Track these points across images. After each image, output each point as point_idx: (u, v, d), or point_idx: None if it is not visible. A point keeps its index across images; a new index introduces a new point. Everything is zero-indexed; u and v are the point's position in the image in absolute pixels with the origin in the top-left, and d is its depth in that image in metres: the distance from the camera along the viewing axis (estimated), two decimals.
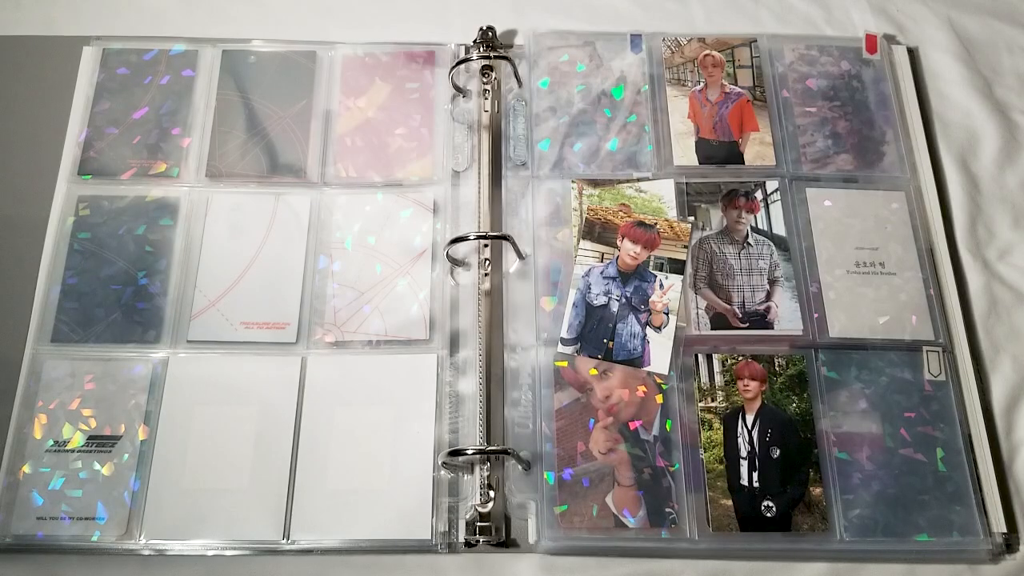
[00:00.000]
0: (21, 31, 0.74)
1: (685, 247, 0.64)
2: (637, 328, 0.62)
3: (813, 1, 0.79)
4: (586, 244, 0.65)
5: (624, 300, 0.63)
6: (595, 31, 0.74)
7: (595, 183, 0.67)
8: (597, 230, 0.65)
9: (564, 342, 0.62)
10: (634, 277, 0.63)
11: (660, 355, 0.62)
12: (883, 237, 0.66)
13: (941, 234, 0.67)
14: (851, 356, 0.62)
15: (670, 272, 0.64)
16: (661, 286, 0.63)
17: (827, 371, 0.62)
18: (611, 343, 0.62)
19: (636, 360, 0.61)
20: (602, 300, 0.63)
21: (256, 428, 0.60)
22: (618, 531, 0.57)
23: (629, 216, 0.64)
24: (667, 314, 0.62)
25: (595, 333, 0.62)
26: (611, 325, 0.62)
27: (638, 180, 0.67)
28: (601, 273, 0.64)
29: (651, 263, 0.64)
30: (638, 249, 0.64)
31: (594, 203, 0.66)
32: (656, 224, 0.65)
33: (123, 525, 0.57)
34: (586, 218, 0.62)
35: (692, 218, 0.65)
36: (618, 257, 0.64)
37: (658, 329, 0.62)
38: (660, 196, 0.66)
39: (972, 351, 0.64)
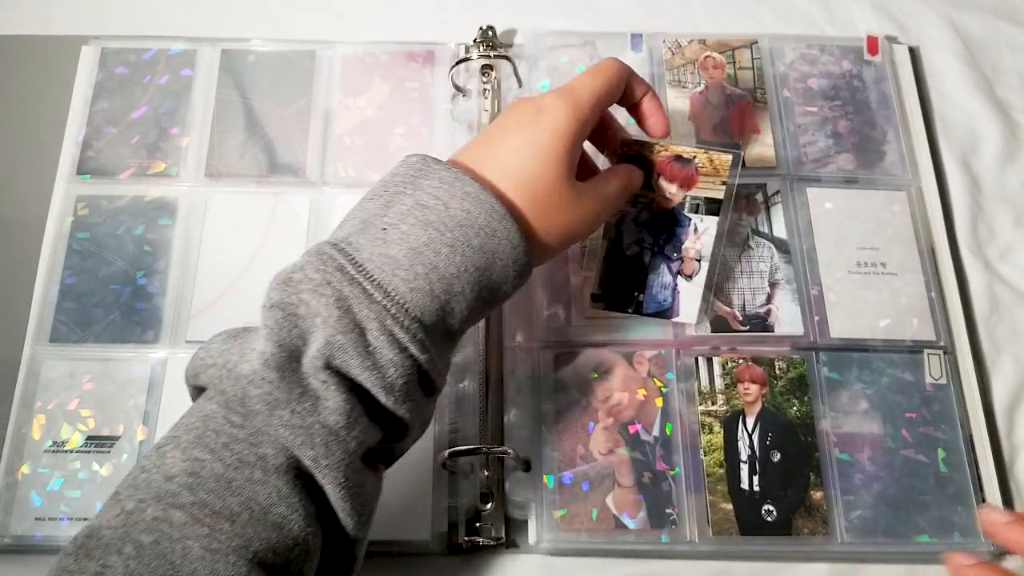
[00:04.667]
0: (19, 30, 0.74)
1: (724, 183, 0.59)
2: (668, 278, 0.60)
3: (815, 0, 0.78)
4: None
5: (657, 249, 0.60)
6: (595, 31, 0.74)
7: None
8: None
9: (595, 298, 0.61)
10: (668, 221, 0.60)
11: (689, 304, 0.60)
12: (884, 238, 0.66)
13: (942, 234, 0.67)
14: (852, 356, 0.62)
15: (706, 214, 0.60)
16: (696, 230, 0.60)
17: (828, 371, 0.62)
18: (642, 295, 0.61)
19: (666, 311, 0.60)
20: (635, 250, 0.60)
21: None
22: (618, 533, 0.57)
23: (666, 150, 0.59)
24: (699, 260, 0.60)
25: (626, 286, 0.61)
26: (642, 277, 0.61)
27: None
28: (634, 220, 0.61)
29: (687, 204, 0.60)
30: (674, 189, 0.60)
31: None
32: (695, 158, 0.59)
33: None
34: (619, 153, 0.60)
35: (736, 151, 0.60)
36: (652, 200, 0.60)
37: (689, 278, 0.61)
38: None
39: (973, 351, 0.63)
